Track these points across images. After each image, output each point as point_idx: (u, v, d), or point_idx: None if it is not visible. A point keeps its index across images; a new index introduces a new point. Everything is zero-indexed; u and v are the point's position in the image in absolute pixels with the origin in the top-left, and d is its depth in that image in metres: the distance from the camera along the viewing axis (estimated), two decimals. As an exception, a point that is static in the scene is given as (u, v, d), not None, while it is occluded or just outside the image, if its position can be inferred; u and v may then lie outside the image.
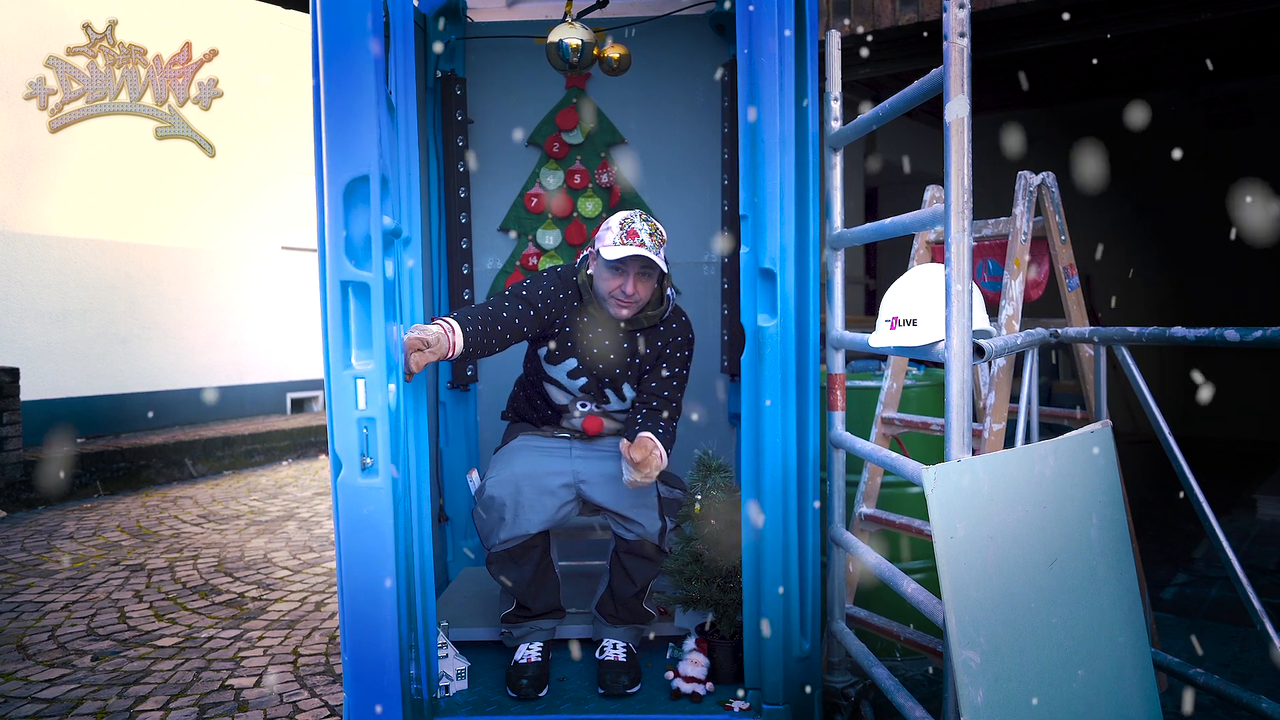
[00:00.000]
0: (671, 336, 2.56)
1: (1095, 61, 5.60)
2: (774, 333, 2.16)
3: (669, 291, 2.56)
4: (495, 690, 2.41)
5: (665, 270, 2.44)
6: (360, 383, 1.94)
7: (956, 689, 1.49)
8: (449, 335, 2.18)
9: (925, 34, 4.20)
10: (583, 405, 2.62)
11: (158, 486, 6.10)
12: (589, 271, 2.51)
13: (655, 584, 2.60)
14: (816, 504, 2.29)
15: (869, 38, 4.26)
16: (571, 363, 2.55)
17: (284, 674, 2.90)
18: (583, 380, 2.57)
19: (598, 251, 2.43)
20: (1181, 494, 2.12)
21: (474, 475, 2.78)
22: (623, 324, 2.51)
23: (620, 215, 2.43)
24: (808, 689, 2.26)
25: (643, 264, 2.40)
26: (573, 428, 2.66)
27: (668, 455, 2.44)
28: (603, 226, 2.45)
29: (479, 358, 2.40)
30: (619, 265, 2.39)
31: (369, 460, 1.96)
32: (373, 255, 1.93)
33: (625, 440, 2.34)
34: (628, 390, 2.59)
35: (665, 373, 2.55)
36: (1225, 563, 1.99)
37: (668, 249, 3.20)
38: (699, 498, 2.38)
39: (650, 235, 2.38)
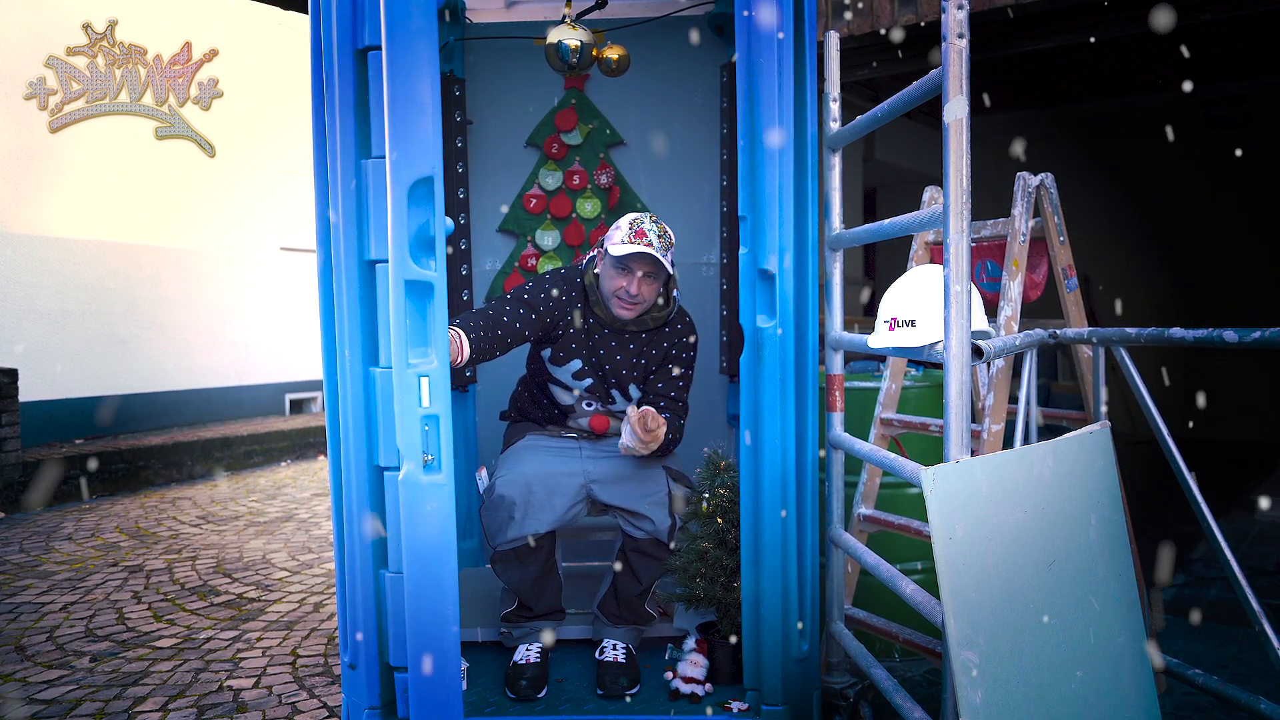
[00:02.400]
0: (677, 337, 2.56)
1: (1095, 62, 5.60)
2: (773, 333, 2.16)
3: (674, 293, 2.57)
4: (494, 691, 2.41)
5: (671, 273, 2.44)
6: (425, 380, 1.97)
7: (955, 690, 1.49)
8: (458, 340, 2.19)
9: (924, 35, 4.20)
10: (588, 404, 2.62)
11: (156, 487, 6.10)
12: (596, 271, 2.51)
13: (659, 584, 2.60)
14: (815, 505, 2.29)
15: (868, 39, 4.26)
16: (576, 364, 2.54)
17: (283, 675, 2.90)
18: (588, 381, 2.57)
19: (606, 250, 2.44)
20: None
21: (483, 473, 2.76)
22: (629, 325, 2.51)
23: (631, 216, 2.45)
24: (806, 690, 2.25)
25: (649, 266, 2.40)
26: (580, 427, 2.66)
27: (673, 449, 2.46)
28: (613, 226, 2.46)
29: (481, 362, 2.41)
30: (625, 265, 2.40)
31: (429, 457, 1.97)
32: (436, 254, 1.96)
33: (633, 408, 2.34)
34: (634, 390, 2.59)
35: (674, 372, 2.55)
36: (1224, 563, 1.99)
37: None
38: (705, 496, 2.39)
39: (659, 237, 2.39)
